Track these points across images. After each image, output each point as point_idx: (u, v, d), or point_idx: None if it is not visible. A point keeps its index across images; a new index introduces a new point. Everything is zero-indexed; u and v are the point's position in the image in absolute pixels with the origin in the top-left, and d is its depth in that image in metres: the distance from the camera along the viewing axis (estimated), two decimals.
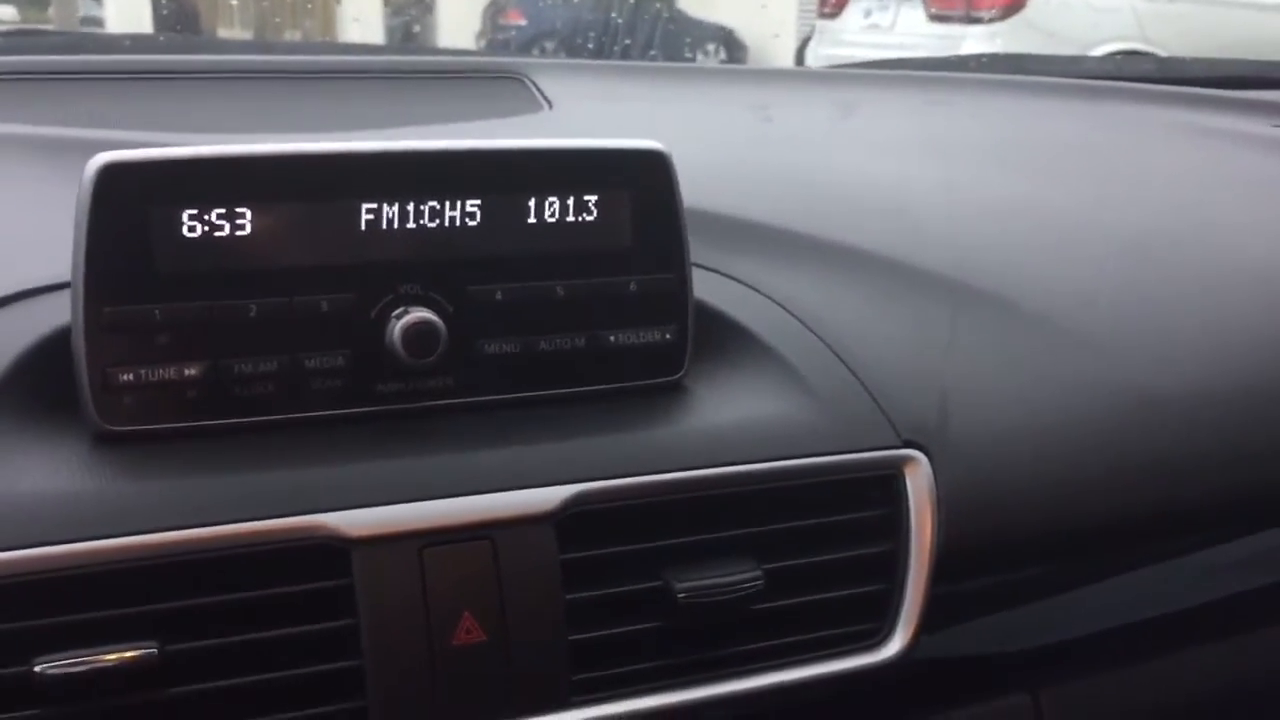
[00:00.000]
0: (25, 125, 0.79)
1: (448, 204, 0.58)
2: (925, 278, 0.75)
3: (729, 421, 0.63)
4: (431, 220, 0.58)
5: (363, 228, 0.57)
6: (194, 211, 0.55)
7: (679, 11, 15.61)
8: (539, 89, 0.96)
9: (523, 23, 14.25)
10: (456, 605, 0.55)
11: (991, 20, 6.81)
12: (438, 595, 0.55)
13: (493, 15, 14.46)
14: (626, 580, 0.59)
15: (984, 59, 1.31)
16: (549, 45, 14.59)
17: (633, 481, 0.59)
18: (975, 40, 6.75)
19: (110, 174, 0.54)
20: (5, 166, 0.75)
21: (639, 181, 0.62)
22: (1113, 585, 0.79)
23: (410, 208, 0.58)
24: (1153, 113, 1.07)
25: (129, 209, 0.54)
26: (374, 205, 0.57)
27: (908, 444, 0.65)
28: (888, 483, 0.64)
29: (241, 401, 0.56)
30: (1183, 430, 0.73)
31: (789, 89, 1.10)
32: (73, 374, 0.55)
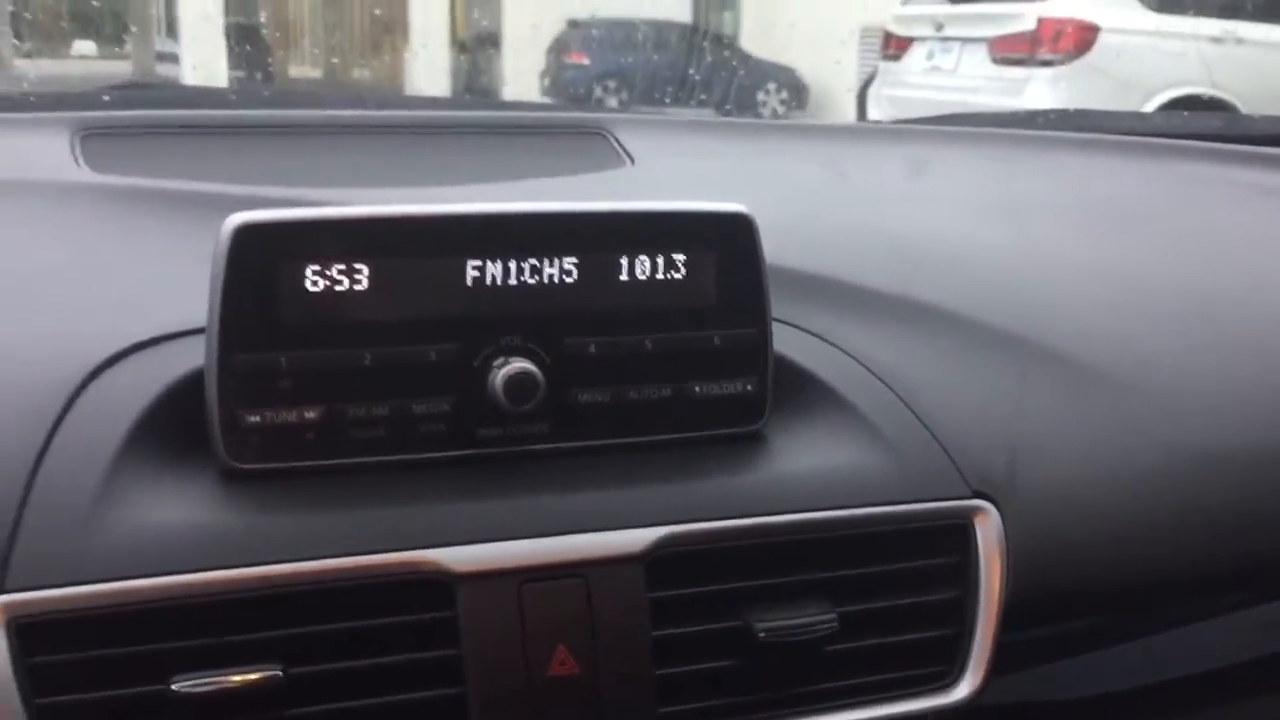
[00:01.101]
0: (152, 178, 0.85)
1: (546, 262, 0.63)
2: (994, 334, 0.78)
3: (806, 470, 0.66)
4: (531, 277, 0.63)
5: (469, 283, 0.62)
6: (317, 267, 0.59)
7: (741, 51, 15.72)
8: (621, 144, 1.01)
9: (586, 62, 14.48)
10: (552, 638, 0.59)
11: (1056, 63, 6.79)
12: (535, 629, 0.59)
13: (557, 55, 14.69)
14: (710, 619, 0.62)
15: (1051, 115, 1.34)
16: (611, 84, 14.74)
17: (716, 526, 0.63)
18: (1039, 84, 6.76)
19: (243, 233, 0.59)
20: (139, 218, 0.81)
21: (724, 242, 0.66)
22: (1177, 635, 0.81)
23: (512, 265, 0.62)
24: (1216, 171, 1.10)
25: (259, 265, 0.59)
26: (479, 263, 0.62)
27: (977, 494, 0.68)
28: (958, 531, 0.67)
29: (356, 443, 0.61)
30: (1242, 487, 0.75)
31: (861, 145, 1.14)
32: (205, 414, 0.59)
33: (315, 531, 0.58)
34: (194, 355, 0.62)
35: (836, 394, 0.71)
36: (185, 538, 0.56)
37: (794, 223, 0.85)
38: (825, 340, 0.74)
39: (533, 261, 0.63)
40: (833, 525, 0.65)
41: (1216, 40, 6.79)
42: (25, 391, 0.60)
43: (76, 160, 0.87)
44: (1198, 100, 6.73)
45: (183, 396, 0.62)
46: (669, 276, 0.65)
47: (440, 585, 0.58)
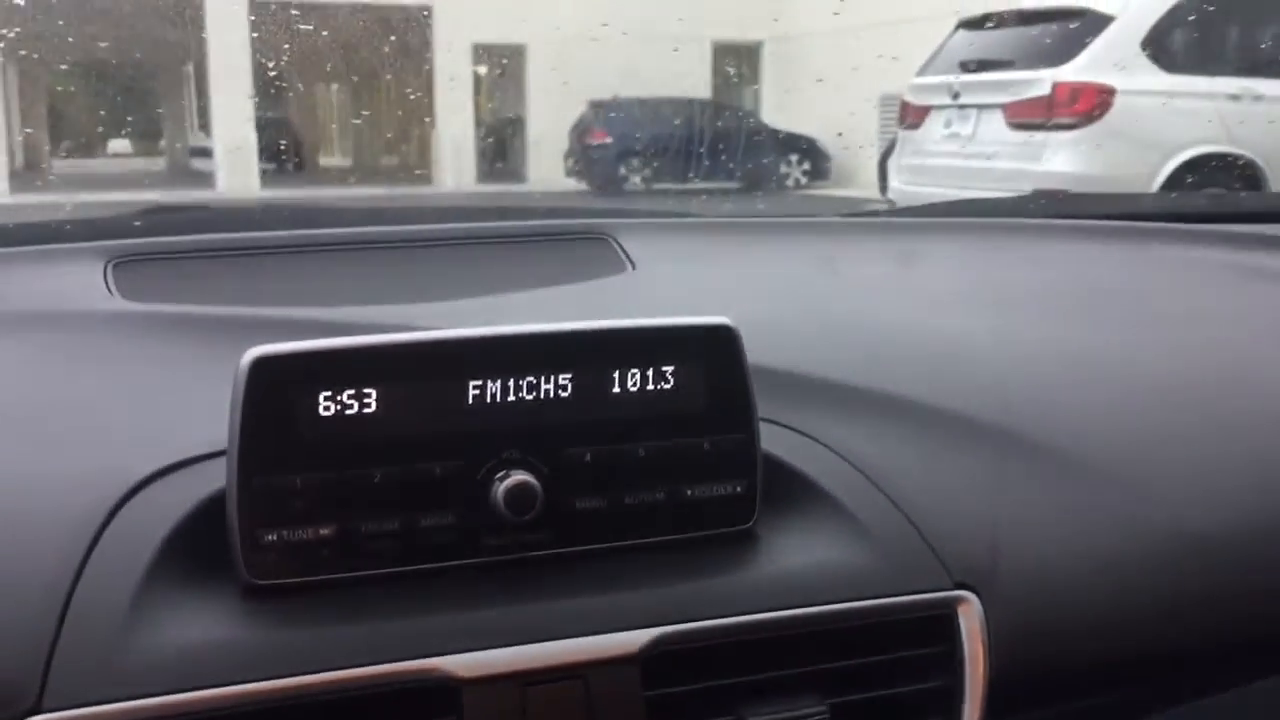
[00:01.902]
0: (180, 304, 0.91)
1: (543, 379, 0.67)
2: (975, 426, 0.81)
3: (796, 566, 0.70)
4: (529, 393, 0.67)
5: (470, 402, 0.66)
6: (328, 393, 0.64)
7: (763, 124, 15.89)
8: (623, 249, 1.06)
9: (608, 141, 14.69)
10: None
11: (1073, 127, 6.84)
12: None
13: (579, 134, 14.93)
14: (705, 715, 0.65)
15: (1043, 200, 1.38)
16: (634, 162, 14.91)
17: (709, 625, 0.66)
18: (1057, 147, 6.80)
19: (260, 365, 0.63)
20: (168, 344, 0.86)
21: (710, 353, 0.70)
22: (1170, 716, 0.82)
23: (510, 383, 0.67)
24: (1200, 253, 1.13)
25: (274, 393, 0.63)
26: (479, 382, 0.66)
27: (960, 585, 0.71)
28: (943, 621, 0.70)
29: (368, 556, 0.65)
30: (1219, 569, 0.78)
31: (855, 241, 1.19)
32: (225, 534, 0.64)
33: (330, 643, 0.62)
34: (217, 477, 0.67)
35: (823, 491, 0.74)
36: (211, 654, 0.60)
37: (784, 323, 0.89)
38: (812, 438, 0.77)
39: (530, 379, 0.67)
40: (822, 620, 0.68)
41: (1234, 98, 6.81)
42: (61, 518, 0.65)
43: (109, 289, 0.92)
44: (1217, 158, 6.75)
45: (207, 516, 0.66)
46: (659, 387, 0.69)
47: (447, 690, 0.62)
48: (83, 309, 0.90)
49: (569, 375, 0.68)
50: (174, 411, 0.77)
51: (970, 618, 0.70)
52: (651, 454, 0.69)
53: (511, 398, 0.67)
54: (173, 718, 0.58)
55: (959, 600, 0.70)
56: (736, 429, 0.71)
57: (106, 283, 0.93)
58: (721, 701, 0.66)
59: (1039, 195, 1.33)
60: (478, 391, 0.66)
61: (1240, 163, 6.79)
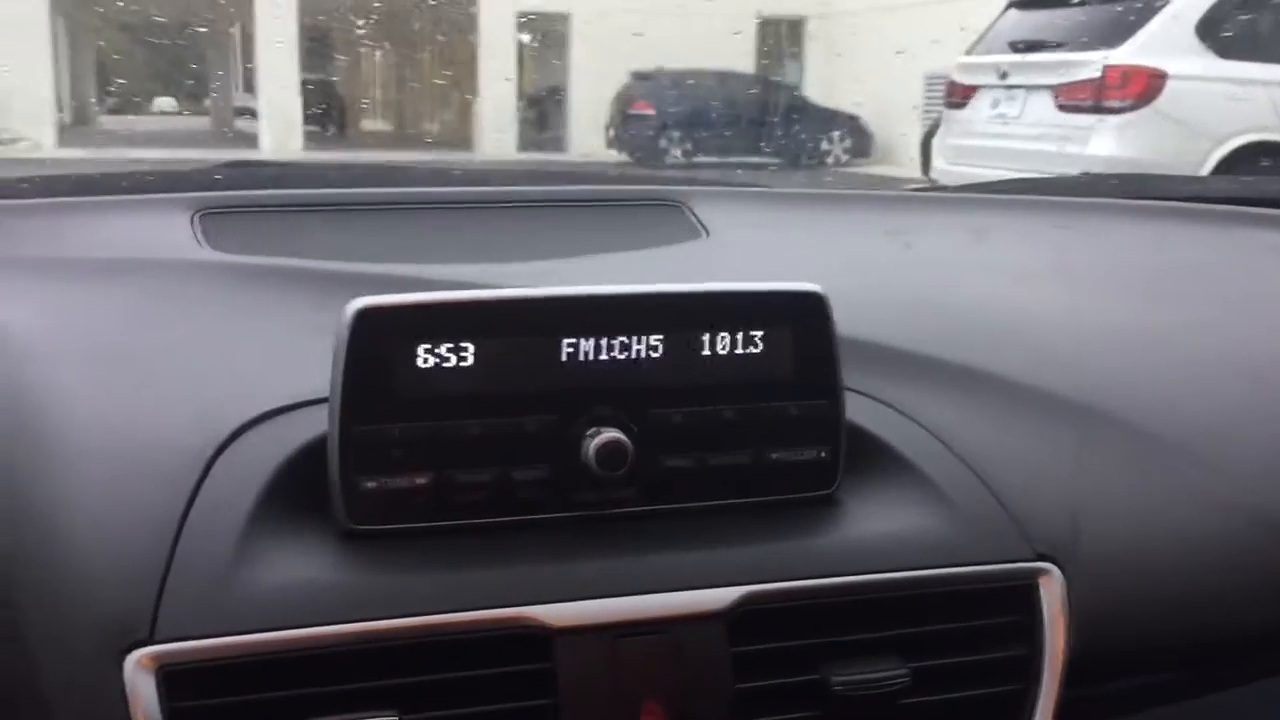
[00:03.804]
0: (266, 256, 0.92)
1: (635, 339, 0.68)
2: (1053, 401, 0.82)
3: (878, 532, 0.71)
4: (621, 353, 0.68)
5: (563, 359, 0.67)
6: (428, 346, 0.65)
7: (805, 100, 15.79)
8: (697, 216, 1.07)
9: (650, 113, 14.65)
10: (642, 690, 0.64)
11: (1123, 111, 6.76)
12: (626, 680, 0.64)
13: (622, 105, 14.89)
14: (789, 673, 0.67)
15: (1111, 179, 1.37)
16: (676, 134, 14.85)
17: (793, 585, 0.67)
18: (1106, 131, 6.72)
19: (363, 316, 0.65)
20: (257, 294, 0.88)
21: (799, 319, 0.71)
22: (1243, 692, 0.83)
23: (603, 342, 0.68)
24: (1272, 238, 1.13)
25: (376, 345, 0.65)
26: (573, 340, 0.68)
27: (1041, 557, 0.72)
28: (1023, 592, 0.71)
29: (462, 506, 0.67)
30: None
31: (922, 214, 1.19)
32: (326, 479, 0.65)
33: (427, 588, 0.63)
34: (313, 424, 0.68)
35: (905, 460, 0.75)
36: (312, 594, 0.62)
37: (862, 294, 0.90)
38: (894, 408, 0.78)
39: (622, 339, 0.68)
40: (903, 585, 0.69)
41: None
42: (166, 458, 0.67)
43: (197, 239, 0.94)
44: (1269, 146, 6.66)
45: (305, 462, 0.68)
46: (748, 351, 0.70)
47: (539, 639, 0.64)
48: (173, 258, 0.92)
49: (660, 336, 0.69)
50: (267, 360, 0.79)
51: (1051, 589, 0.71)
52: (738, 416, 0.70)
53: (604, 357, 0.68)
54: (276, 652, 0.60)
55: (1040, 572, 0.71)
56: (822, 395, 0.72)
57: (195, 233, 0.95)
58: (805, 661, 0.67)
59: (1101, 176, 1.32)
60: (571, 349, 0.68)
61: None
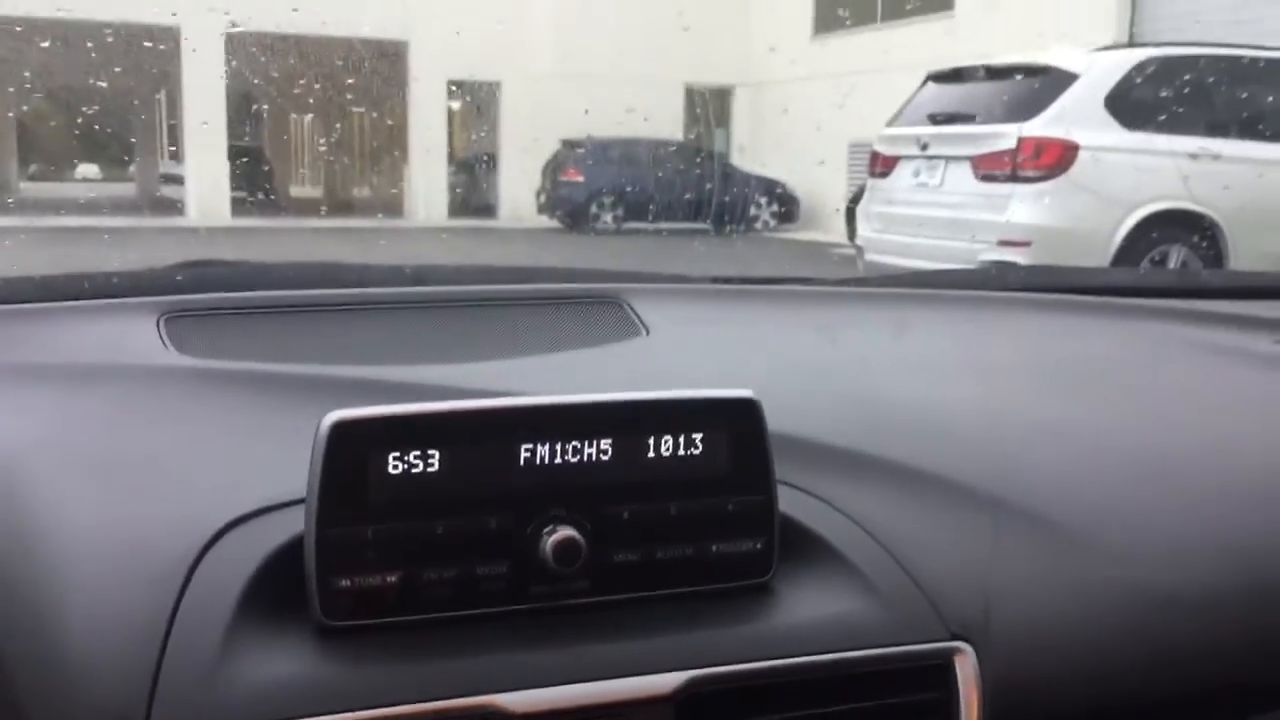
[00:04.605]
0: (234, 360, 0.98)
1: (586, 443, 0.75)
2: (969, 492, 0.90)
3: (810, 618, 0.78)
4: (574, 456, 0.75)
5: (522, 464, 0.74)
6: (398, 454, 0.71)
7: (733, 167, 16.08)
8: (636, 314, 1.14)
9: (580, 179, 14.83)
10: None
11: (1038, 180, 6.99)
12: None
13: (553, 172, 15.06)
14: None
15: (1021, 272, 1.47)
16: (606, 201, 15.03)
17: (734, 669, 0.74)
18: (1022, 200, 6.95)
19: (338, 428, 0.71)
20: (226, 398, 0.93)
21: (735, 422, 0.78)
22: None
23: (558, 446, 0.74)
24: (1169, 330, 1.23)
25: (350, 454, 0.71)
26: (530, 445, 0.74)
27: (956, 637, 0.79)
28: (940, 671, 0.78)
29: (429, 601, 0.72)
30: (1193, 626, 0.86)
31: (850, 309, 1.28)
32: (302, 579, 0.71)
33: (400, 680, 0.69)
34: (290, 526, 0.74)
35: (834, 549, 0.82)
36: (293, 688, 0.67)
37: (793, 391, 0.97)
38: (823, 500, 0.85)
39: (575, 443, 0.75)
40: (834, 666, 0.76)
41: (1194, 156, 7.00)
42: (152, 562, 0.72)
43: (164, 343, 0.99)
44: (1177, 214, 6.93)
45: (283, 562, 0.73)
46: (689, 452, 0.77)
47: None
48: (140, 363, 0.97)
49: (610, 440, 0.75)
50: (242, 464, 0.84)
51: (965, 667, 0.78)
52: (681, 513, 0.77)
53: (559, 460, 0.74)
54: None
55: (955, 651, 0.78)
56: (757, 491, 0.79)
57: (161, 337, 1.00)
58: None
59: (1010, 268, 1.42)
60: (529, 454, 0.74)
61: (1199, 219, 6.98)
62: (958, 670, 0.78)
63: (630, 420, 0.76)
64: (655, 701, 0.72)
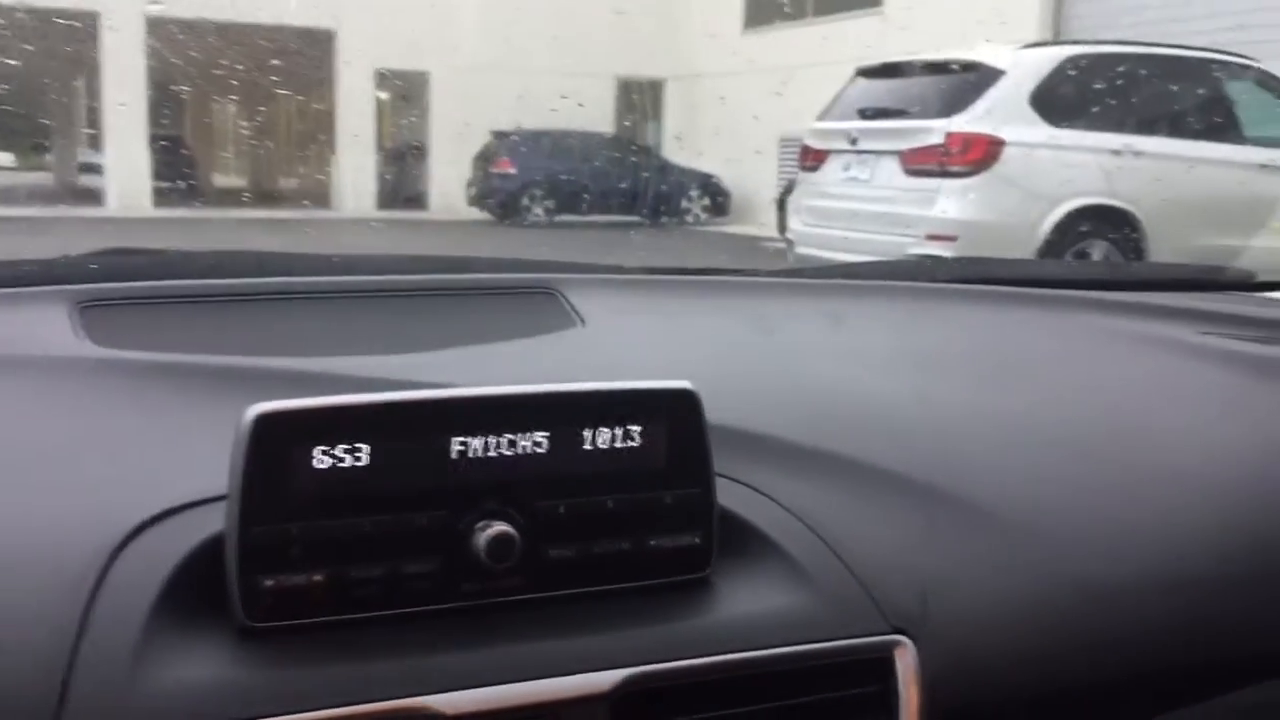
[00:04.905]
0: (150, 351, 0.94)
1: (521, 436, 0.73)
2: (905, 483, 0.89)
3: (748, 612, 0.76)
4: (508, 450, 0.73)
5: (454, 456, 0.72)
6: (324, 448, 0.69)
7: (665, 160, 16.09)
8: (571, 304, 1.12)
9: (512, 171, 14.73)
10: None
11: (965, 175, 7.08)
12: None
13: (483, 164, 14.94)
14: None
15: (953, 264, 1.48)
16: (538, 193, 14.95)
17: (671, 667, 0.72)
18: (949, 194, 7.04)
19: (262, 421, 0.68)
20: (143, 391, 0.90)
21: (672, 414, 0.77)
22: None
23: (492, 440, 0.72)
24: (1099, 321, 1.24)
25: (274, 448, 0.68)
26: (463, 439, 0.72)
27: (895, 630, 0.78)
28: (880, 664, 0.77)
29: (357, 600, 0.70)
30: (1134, 614, 0.87)
31: (785, 300, 1.27)
32: (223, 578, 0.68)
33: (325, 682, 0.66)
34: (210, 523, 0.71)
35: (772, 541, 0.81)
36: (211, 693, 0.64)
37: (730, 382, 0.96)
38: (761, 492, 0.84)
39: (509, 436, 0.73)
40: (772, 662, 0.75)
41: (1116, 153, 7.13)
42: (63, 563, 0.68)
43: (77, 334, 0.95)
44: (1100, 209, 7.06)
45: (203, 561, 0.70)
46: (626, 445, 0.76)
47: None
48: (51, 354, 0.93)
49: (545, 433, 0.73)
50: (160, 458, 0.80)
51: (905, 660, 0.77)
52: (618, 506, 0.75)
53: (492, 454, 0.72)
54: None
55: (894, 644, 0.78)
56: (695, 484, 0.77)
57: (75, 328, 0.96)
58: None
59: (942, 260, 1.43)
60: (461, 448, 0.72)
61: (1121, 215, 7.12)
62: (897, 663, 0.77)
63: (566, 412, 0.74)
64: (591, 700, 0.70)
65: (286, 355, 0.96)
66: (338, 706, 0.65)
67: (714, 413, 0.78)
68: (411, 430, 0.71)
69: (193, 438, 0.82)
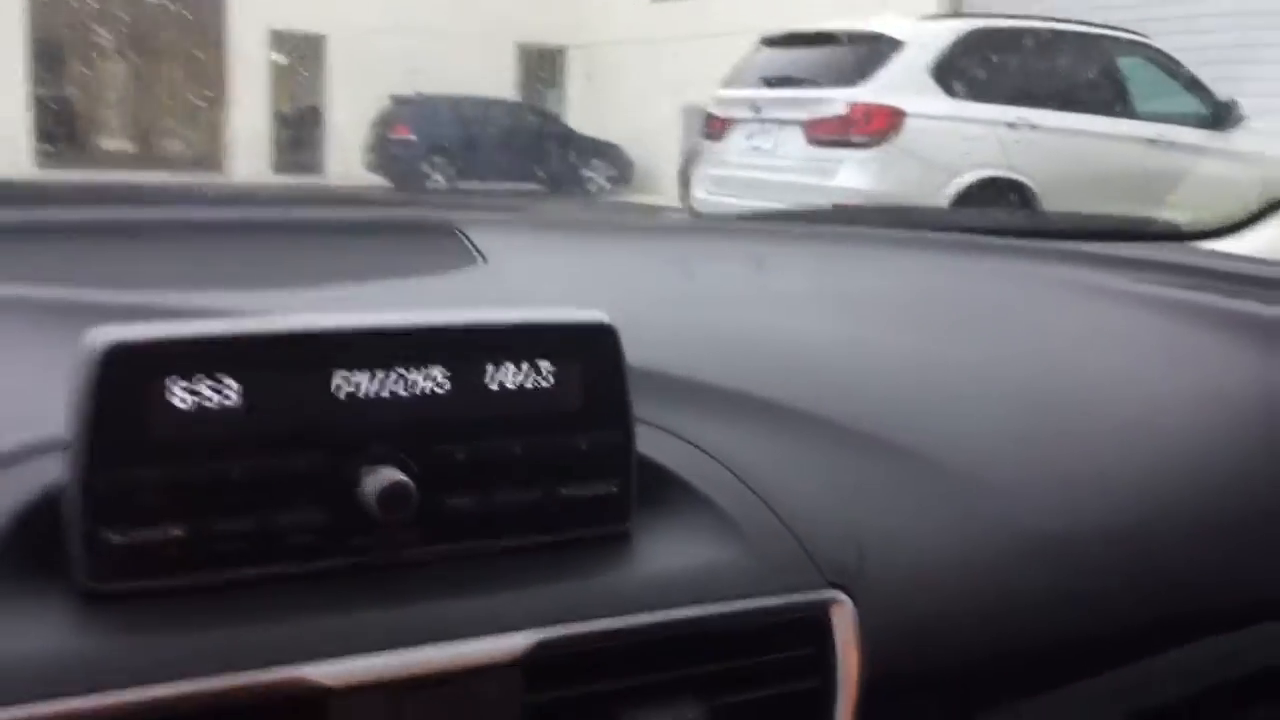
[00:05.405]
0: (10, 285, 0.82)
1: (415, 372, 0.64)
2: (839, 430, 0.82)
3: (672, 569, 0.69)
4: (401, 387, 0.63)
5: (338, 395, 0.62)
6: (184, 384, 0.59)
7: (567, 128, 15.98)
8: (473, 243, 1.03)
9: (411, 137, 14.44)
10: None
11: (867, 146, 7.12)
12: None
13: (381, 129, 14.61)
14: None
15: (870, 212, 1.42)
16: (438, 160, 14.73)
17: (588, 628, 0.64)
18: (852, 165, 7.08)
19: (108, 351, 0.58)
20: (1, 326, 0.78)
21: (588, 350, 0.68)
22: (1049, 699, 0.84)
23: (380, 376, 0.63)
24: (1033, 268, 1.18)
25: (125, 382, 0.58)
26: (348, 374, 0.62)
27: (832, 585, 0.71)
28: (815, 623, 0.70)
29: (223, 558, 0.60)
30: (1074, 566, 0.81)
31: (702, 243, 1.19)
32: (62, 535, 0.58)
33: (183, 652, 0.57)
34: (48, 473, 0.61)
35: (696, 492, 0.73)
36: (46, 665, 0.55)
37: (646, 323, 0.88)
38: (683, 439, 0.76)
39: (401, 372, 0.63)
40: (699, 622, 0.67)
41: (1012, 126, 7.24)
42: None
43: None
44: (997, 181, 7.16)
45: (38, 516, 0.60)
46: (535, 383, 0.67)
47: (313, 702, 0.58)
48: None
49: (443, 369, 0.64)
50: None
51: (843, 617, 0.70)
52: (526, 452, 0.67)
53: (383, 392, 0.63)
54: None
55: (831, 601, 0.71)
56: (613, 428, 0.69)
57: None
58: (602, 707, 0.64)
59: (860, 208, 1.37)
60: (346, 384, 0.62)
61: (1017, 187, 7.23)
62: (834, 622, 0.70)
63: (467, 345, 0.65)
64: (499, 669, 0.61)
65: (145, 289, 0.85)
66: (198, 678, 0.56)
67: (631, 353, 0.70)
68: (289, 364, 0.61)
69: (28, 379, 0.71)
